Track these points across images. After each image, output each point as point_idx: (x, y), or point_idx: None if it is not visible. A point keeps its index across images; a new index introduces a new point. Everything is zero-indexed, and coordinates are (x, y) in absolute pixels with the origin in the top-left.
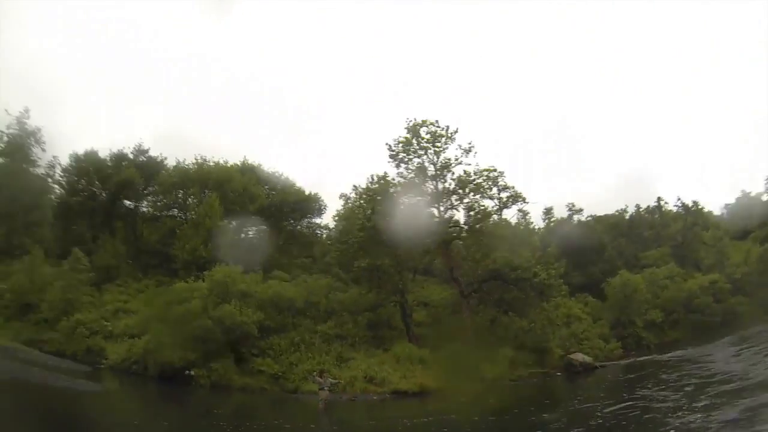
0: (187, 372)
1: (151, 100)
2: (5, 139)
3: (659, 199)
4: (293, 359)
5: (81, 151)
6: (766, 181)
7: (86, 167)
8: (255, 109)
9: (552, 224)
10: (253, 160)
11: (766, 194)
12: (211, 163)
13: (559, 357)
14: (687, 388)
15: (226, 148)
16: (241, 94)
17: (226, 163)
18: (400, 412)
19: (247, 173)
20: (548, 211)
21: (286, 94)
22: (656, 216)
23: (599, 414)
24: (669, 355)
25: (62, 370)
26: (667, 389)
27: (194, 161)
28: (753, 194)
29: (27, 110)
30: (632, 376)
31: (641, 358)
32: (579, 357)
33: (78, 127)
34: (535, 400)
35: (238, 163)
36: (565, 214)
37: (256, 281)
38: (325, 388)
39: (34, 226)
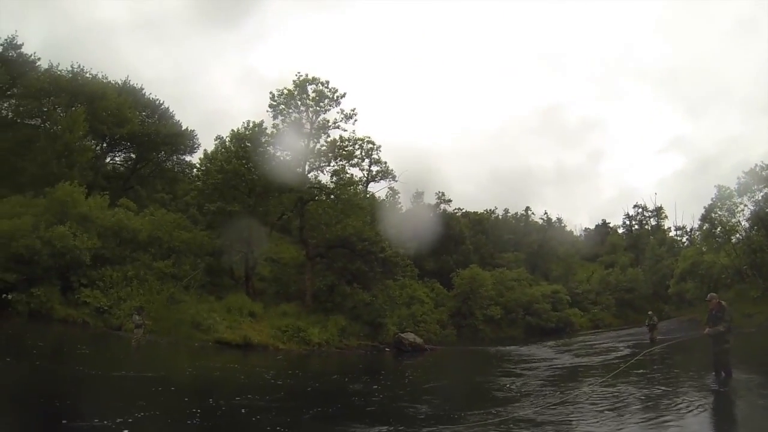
0: (4, 296)
1: None
2: None
3: (527, 208)
4: (123, 294)
5: None
6: (623, 216)
7: None
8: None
9: (419, 208)
10: (137, 82)
11: (621, 227)
12: (88, 75)
13: (392, 334)
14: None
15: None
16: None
17: (105, 78)
18: (217, 362)
19: (126, 94)
20: (418, 195)
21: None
22: (521, 224)
23: (425, 390)
24: (497, 348)
25: None
26: (494, 375)
27: (69, 68)
28: (612, 225)
29: None
30: (462, 362)
31: (473, 348)
32: (410, 337)
33: None
34: (359, 370)
35: (119, 82)
36: (433, 201)
37: (101, 206)
38: (142, 327)
39: None
